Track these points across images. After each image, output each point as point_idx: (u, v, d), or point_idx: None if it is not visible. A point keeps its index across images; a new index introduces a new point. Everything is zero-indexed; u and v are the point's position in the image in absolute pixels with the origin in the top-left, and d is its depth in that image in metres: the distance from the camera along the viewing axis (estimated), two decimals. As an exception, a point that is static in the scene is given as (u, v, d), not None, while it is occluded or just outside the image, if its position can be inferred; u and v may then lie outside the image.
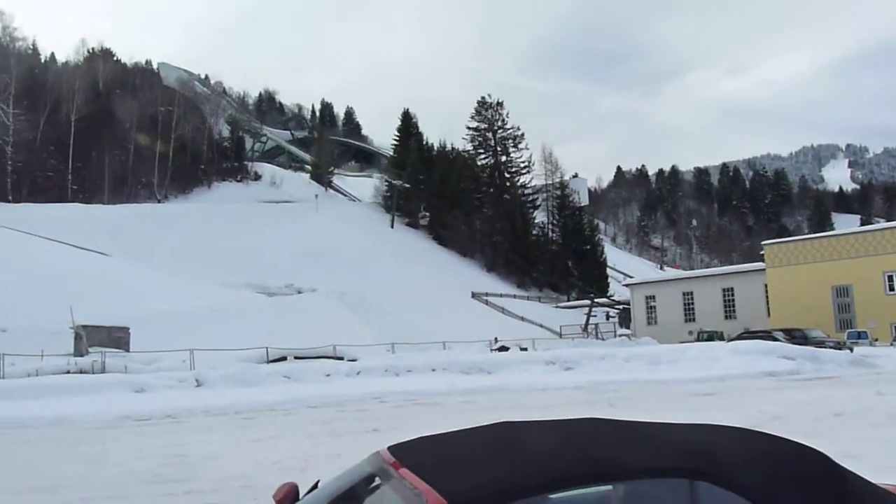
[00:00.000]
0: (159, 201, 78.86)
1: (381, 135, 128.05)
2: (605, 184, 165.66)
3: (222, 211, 73.67)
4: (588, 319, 57.09)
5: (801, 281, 43.36)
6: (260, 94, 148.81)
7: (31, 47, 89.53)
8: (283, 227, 71.36)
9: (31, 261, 41.12)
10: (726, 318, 47.74)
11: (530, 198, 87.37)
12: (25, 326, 29.46)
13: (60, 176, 71.96)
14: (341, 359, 28.27)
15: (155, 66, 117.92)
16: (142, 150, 77.48)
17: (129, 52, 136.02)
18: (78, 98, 73.65)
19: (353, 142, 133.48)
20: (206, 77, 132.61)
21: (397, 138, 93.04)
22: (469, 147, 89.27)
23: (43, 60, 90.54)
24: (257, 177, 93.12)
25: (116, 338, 28.97)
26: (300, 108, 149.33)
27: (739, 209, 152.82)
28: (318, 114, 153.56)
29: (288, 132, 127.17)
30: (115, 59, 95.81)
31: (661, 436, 2.69)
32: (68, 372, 22.23)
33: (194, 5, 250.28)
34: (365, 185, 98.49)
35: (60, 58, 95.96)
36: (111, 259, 51.42)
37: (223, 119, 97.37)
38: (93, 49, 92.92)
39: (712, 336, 38.19)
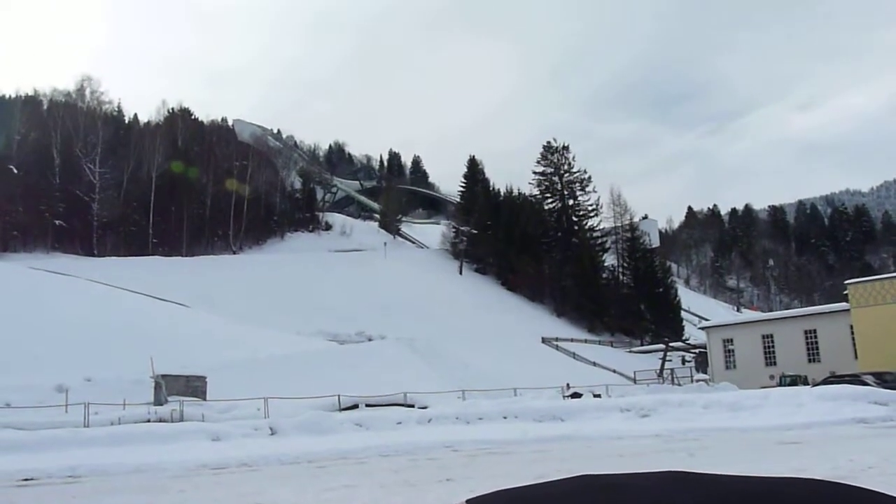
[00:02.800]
0: (234, 252, 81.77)
1: (448, 182, 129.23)
2: (675, 224, 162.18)
3: (294, 261, 75.73)
4: (663, 364, 55.34)
5: (891, 321, 40.96)
6: (330, 147, 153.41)
7: (117, 109, 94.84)
8: (353, 275, 72.72)
9: (115, 312, 42.77)
10: (809, 361, 45.31)
11: (599, 241, 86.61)
12: (109, 376, 30.51)
13: (142, 230, 75.35)
14: (412, 406, 28.23)
15: (230, 122, 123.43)
16: (218, 203, 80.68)
17: (205, 110, 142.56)
18: (158, 155, 77.36)
19: (420, 189, 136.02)
20: (279, 132, 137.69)
21: (464, 185, 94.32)
22: (536, 192, 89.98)
23: (127, 121, 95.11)
24: (328, 226, 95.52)
25: (194, 387, 29.63)
26: (369, 158, 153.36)
27: (819, 247, 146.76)
28: (385, 163, 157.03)
29: (357, 182, 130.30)
30: (192, 117, 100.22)
31: (751, 490, 2.58)
32: (148, 420, 22.77)
33: (268, 64, 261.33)
34: (433, 232, 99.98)
35: (143, 118, 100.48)
36: (189, 309, 53.06)
37: (295, 171, 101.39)
38: (172, 109, 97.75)
39: (795, 380, 36.58)
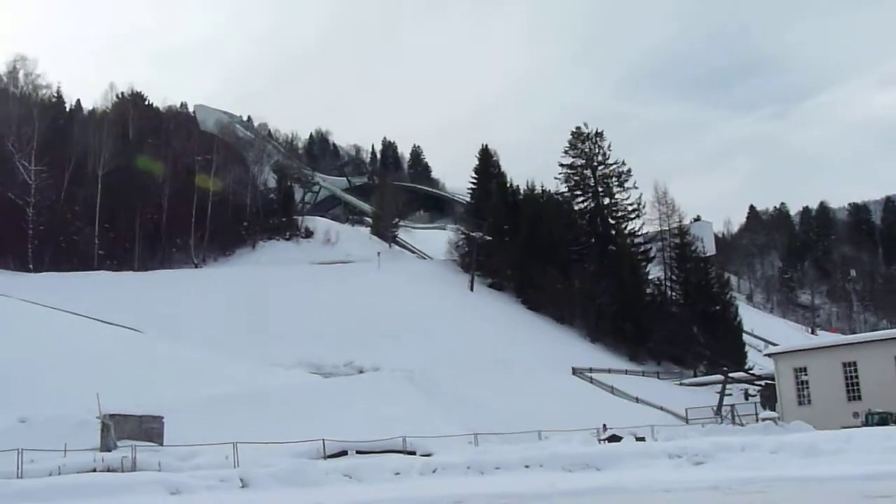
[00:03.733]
0: (196, 266, 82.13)
1: (455, 178, 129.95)
2: (735, 227, 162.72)
3: (269, 275, 76.16)
4: (721, 400, 54.81)
5: None
6: (311, 136, 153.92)
7: (56, 95, 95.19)
8: (340, 292, 72.93)
9: (54, 339, 42.72)
10: (903, 395, 45.05)
11: (641, 248, 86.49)
12: (47, 416, 30.57)
13: (86, 240, 75.43)
14: (413, 453, 28.29)
15: (191, 108, 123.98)
16: (177, 206, 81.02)
17: (161, 95, 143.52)
18: (105, 150, 77.62)
19: (421, 187, 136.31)
20: (249, 119, 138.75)
21: (474, 181, 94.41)
22: (563, 188, 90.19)
23: (68, 109, 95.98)
24: (309, 233, 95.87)
25: (148, 429, 29.71)
26: (358, 149, 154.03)
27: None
28: (378, 156, 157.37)
29: (344, 179, 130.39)
30: (146, 103, 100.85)
31: None
32: (94, 470, 22.71)
33: (235, 39, 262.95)
34: (437, 239, 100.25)
35: (87, 105, 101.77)
36: (143, 336, 53.19)
37: (269, 166, 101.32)
38: (122, 94, 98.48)
39: (886, 419, 36.25)
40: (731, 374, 59.94)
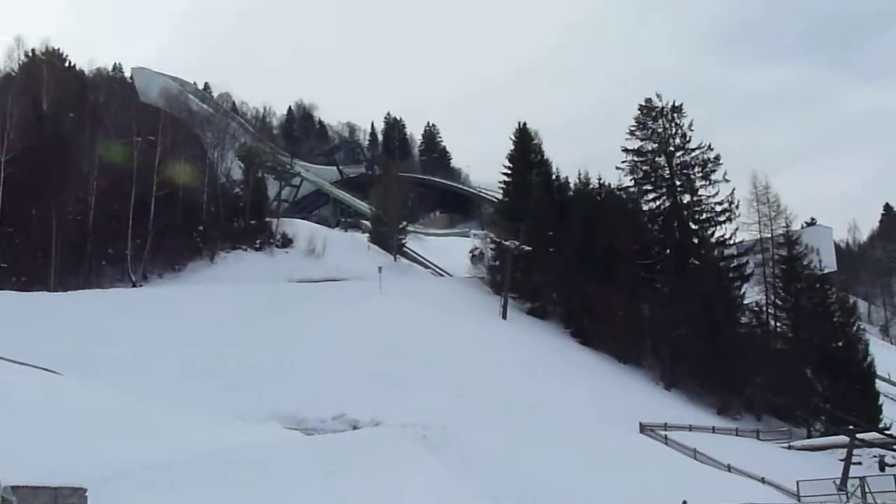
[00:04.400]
0: (135, 284, 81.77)
1: (483, 168, 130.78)
2: (864, 235, 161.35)
3: (232, 297, 76.09)
4: (846, 470, 54.13)
5: None
6: (290, 112, 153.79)
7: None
8: (328, 321, 72.73)
9: (-59, 383, 42.56)
10: None
11: (734, 262, 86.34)
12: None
13: (-17, 249, 75.06)
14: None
15: (127, 72, 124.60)
16: (108, 204, 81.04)
17: (87, 54, 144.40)
18: (11, 125, 77.00)
19: (437, 180, 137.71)
20: (206, 88, 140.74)
21: (509, 171, 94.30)
22: (628, 181, 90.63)
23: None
24: (287, 241, 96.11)
25: (67, 506, 29.67)
26: (353, 129, 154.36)
27: None
28: (380, 138, 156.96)
29: (334, 168, 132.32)
30: (67, 64, 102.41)
31: None
32: (-8, 565, 22.88)
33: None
34: (458, 249, 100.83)
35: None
36: (61, 379, 51.39)
37: (233, 151, 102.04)
38: (33, 51, 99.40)
39: None
40: (859, 435, 59.48)
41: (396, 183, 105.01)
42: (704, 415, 73.49)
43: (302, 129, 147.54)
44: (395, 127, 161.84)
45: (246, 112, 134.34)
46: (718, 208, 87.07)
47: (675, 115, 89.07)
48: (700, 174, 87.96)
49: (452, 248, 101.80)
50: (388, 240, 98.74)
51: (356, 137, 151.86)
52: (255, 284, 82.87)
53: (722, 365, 76.27)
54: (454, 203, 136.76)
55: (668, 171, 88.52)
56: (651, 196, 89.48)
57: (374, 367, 64.28)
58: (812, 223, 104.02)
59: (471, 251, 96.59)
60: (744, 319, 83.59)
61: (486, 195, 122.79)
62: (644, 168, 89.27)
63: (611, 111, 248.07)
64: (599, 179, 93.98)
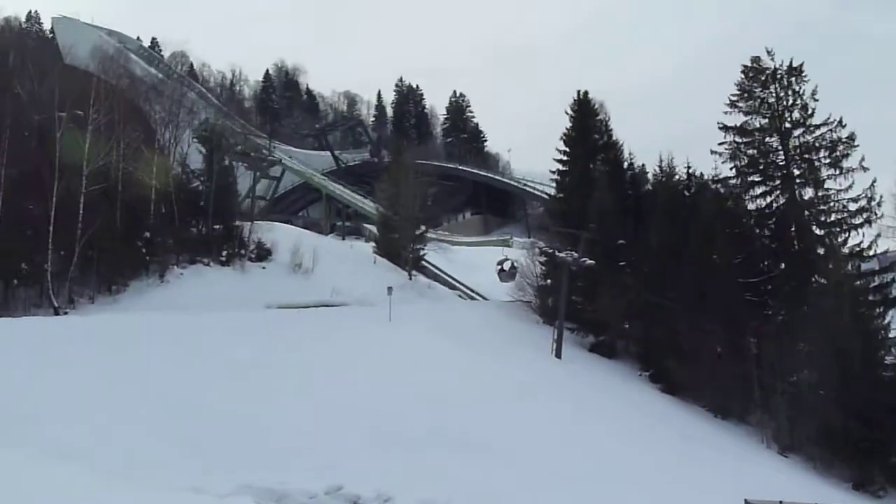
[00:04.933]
0: (59, 311, 79.89)
1: (528, 154, 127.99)
2: None
3: (191, 330, 71.68)
4: None
5: None
6: (267, 77, 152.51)
7: None
8: (318, 362, 68.01)
9: None
10: None
11: (875, 280, 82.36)
12: None
13: None
14: None
15: (47, 24, 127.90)
16: (18, 201, 79.16)
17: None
18: None
19: (466, 169, 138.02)
20: (154, 46, 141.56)
21: (564, 156, 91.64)
22: (727, 169, 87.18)
23: None
24: (264, 252, 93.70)
25: None
26: (352, 101, 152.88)
27: None
28: (390, 112, 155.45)
29: (327, 154, 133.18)
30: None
31: None
32: None
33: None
34: (494, 263, 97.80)
35: None
36: None
37: (190, 131, 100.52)
38: None
39: None
40: None
41: (412, 173, 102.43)
42: (834, 490, 69.50)
43: (284, 101, 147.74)
44: (409, 97, 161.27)
45: (208, 78, 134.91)
46: (853, 207, 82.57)
47: (794, 79, 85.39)
48: (827, 160, 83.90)
49: (487, 262, 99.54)
50: (402, 251, 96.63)
51: (357, 112, 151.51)
52: (221, 312, 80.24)
53: (858, 424, 72.65)
54: (490, 201, 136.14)
55: (782, 157, 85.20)
56: (759, 190, 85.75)
57: (381, 424, 58.46)
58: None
59: (499, 264, 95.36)
60: (889, 359, 79.06)
61: (532, 190, 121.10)
62: (749, 152, 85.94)
63: (702, 76, 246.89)
64: (688, 168, 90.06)
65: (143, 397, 60.72)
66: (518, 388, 70.03)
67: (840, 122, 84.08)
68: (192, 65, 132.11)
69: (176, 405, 60.11)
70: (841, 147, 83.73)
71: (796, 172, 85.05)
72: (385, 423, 61.04)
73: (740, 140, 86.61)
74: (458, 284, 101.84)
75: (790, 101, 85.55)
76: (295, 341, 72.80)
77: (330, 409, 61.77)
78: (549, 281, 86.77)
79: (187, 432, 57.36)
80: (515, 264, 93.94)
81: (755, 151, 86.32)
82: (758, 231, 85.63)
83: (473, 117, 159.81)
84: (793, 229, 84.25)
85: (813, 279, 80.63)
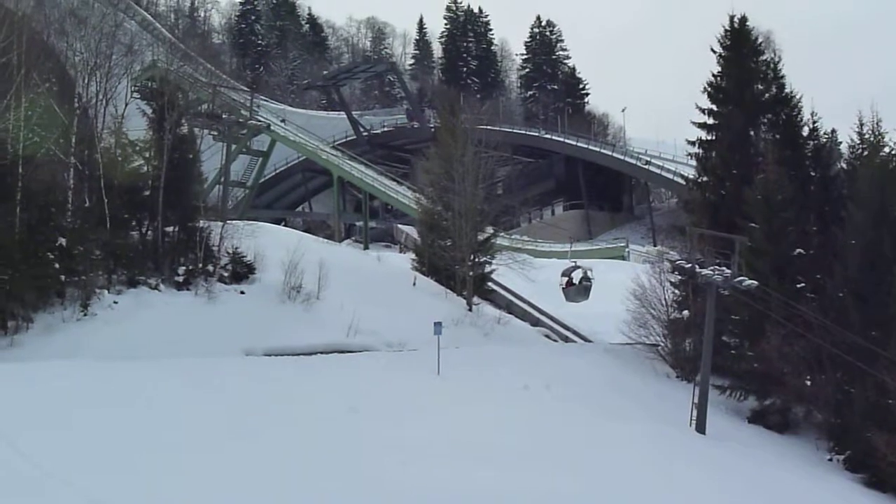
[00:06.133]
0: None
1: (651, 121, 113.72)
2: None
3: (130, 393, 53.37)
4: None
5: None
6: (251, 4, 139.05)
7: None
8: (329, 446, 48.34)
9: None
10: None
11: None
12: None
13: None
14: None
15: None
16: None
17: None
18: None
19: (556, 139, 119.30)
20: None
21: (710, 117, 73.60)
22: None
23: None
24: (243, 270, 74.22)
25: None
26: (379, 35, 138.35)
27: None
28: (436, 49, 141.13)
29: (340, 113, 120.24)
30: None
31: None
32: None
33: None
34: (602, 282, 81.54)
35: None
36: None
37: (128, 80, 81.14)
38: None
39: None
40: None
41: (472, 146, 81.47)
42: None
43: (274, 35, 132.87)
44: (468, 27, 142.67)
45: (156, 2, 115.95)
46: None
47: None
48: None
49: (598, 285, 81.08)
50: (456, 266, 77.17)
51: (386, 51, 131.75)
52: (175, 359, 59.42)
53: None
54: (594, 188, 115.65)
55: None
56: None
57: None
58: None
59: (564, 274, 78.41)
60: None
61: (660, 172, 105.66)
62: None
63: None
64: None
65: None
66: (644, 480, 48.24)
67: None
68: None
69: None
70: None
71: None
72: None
73: None
74: (544, 316, 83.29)
75: None
76: (290, 412, 51.23)
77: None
78: (685, 313, 69.78)
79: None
80: (590, 274, 79.11)
81: None
82: None
83: (568, 58, 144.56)
84: None
85: None
